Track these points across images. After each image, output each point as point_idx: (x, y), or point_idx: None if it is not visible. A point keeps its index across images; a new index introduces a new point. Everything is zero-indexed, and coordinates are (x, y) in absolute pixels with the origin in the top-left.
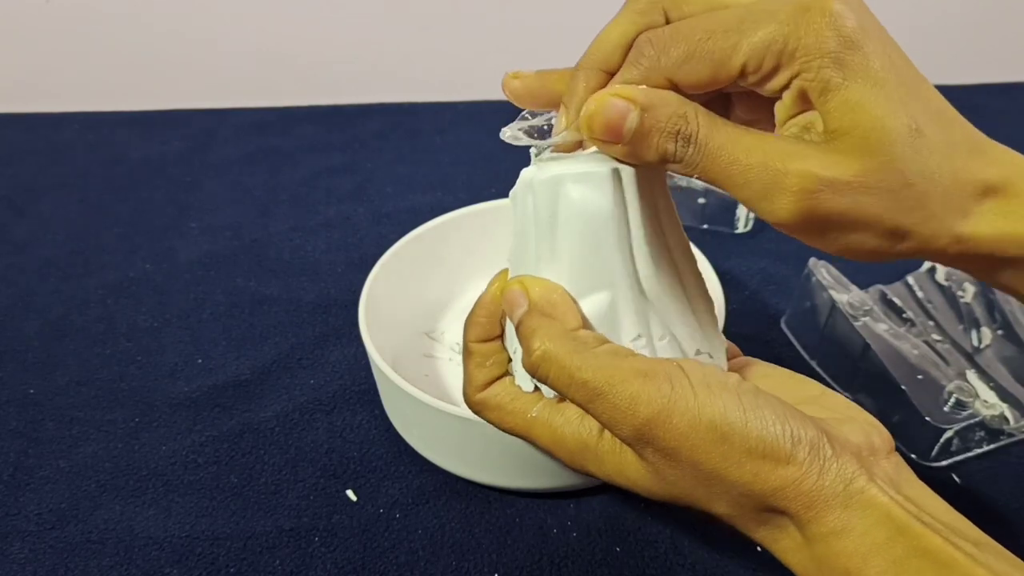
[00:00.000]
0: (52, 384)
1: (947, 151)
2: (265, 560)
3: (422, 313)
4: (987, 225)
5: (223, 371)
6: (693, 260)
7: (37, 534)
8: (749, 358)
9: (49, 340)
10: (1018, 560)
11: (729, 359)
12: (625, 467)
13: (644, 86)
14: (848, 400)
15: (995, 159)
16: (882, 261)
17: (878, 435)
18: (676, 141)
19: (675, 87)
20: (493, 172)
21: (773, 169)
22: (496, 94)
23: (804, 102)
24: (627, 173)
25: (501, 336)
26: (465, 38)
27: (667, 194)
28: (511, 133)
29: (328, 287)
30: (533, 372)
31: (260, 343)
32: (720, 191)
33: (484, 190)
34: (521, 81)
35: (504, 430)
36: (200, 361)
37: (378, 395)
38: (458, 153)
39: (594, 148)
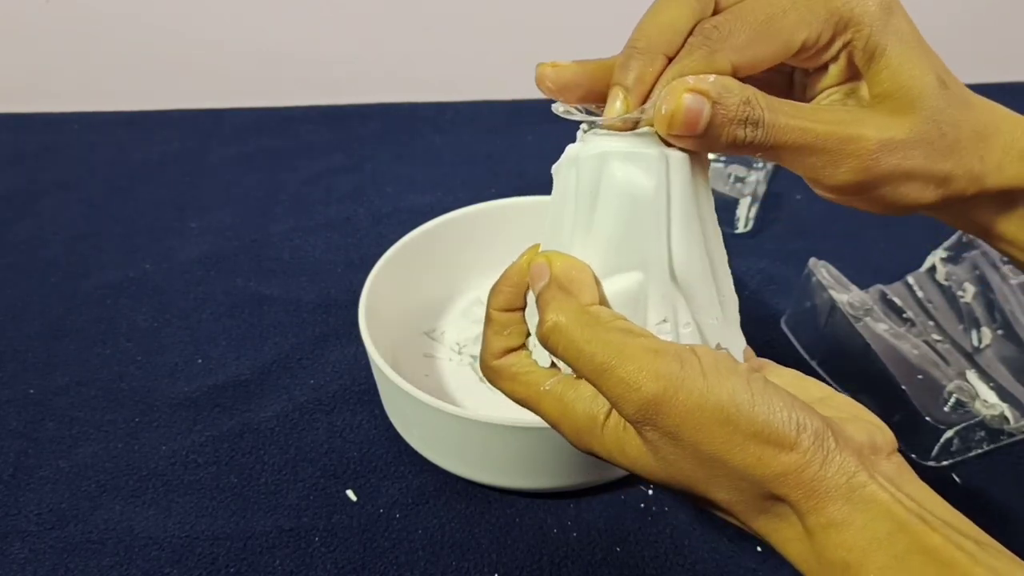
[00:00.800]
0: (52, 384)
1: (962, 100)
2: (265, 560)
3: (422, 313)
4: (994, 164)
5: (223, 371)
6: (724, 253)
7: (37, 534)
8: (762, 360)
9: (49, 340)
10: (1018, 560)
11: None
12: (627, 446)
13: (713, 76)
14: (854, 401)
15: (980, 104)
16: (919, 211)
17: (881, 435)
18: (745, 127)
19: (736, 71)
20: (493, 172)
21: (837, 137)
22: (496, 94)
23: (850, 70)
24: (675, 158)
25: (523, 309)
26: (465, 38)
27: (708, 183)
28: (564, 108)
29: (328, 287)
30: (544, 342)
31: (260, 343)
32: (720, 191)
33: (484, 190)
34: (558, 71)
35: (514, 400)
36: (200, 361)
37: (378, 395)
38: (458, 153)
39: (645, 128)
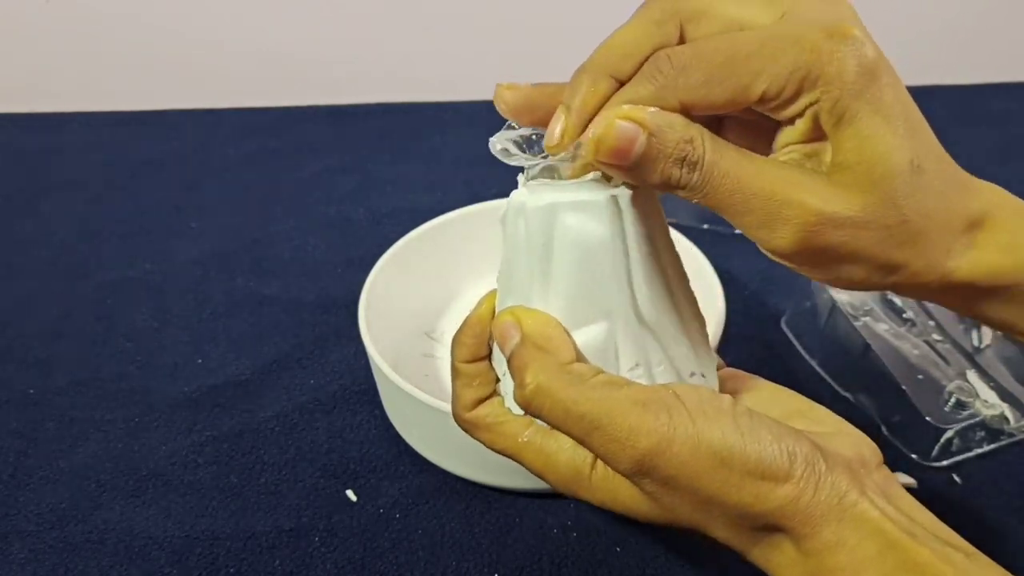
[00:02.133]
0: (52, 384)
1: (943, 189)
2: (265, 560)
3: (422, 313)
4: (970, 259)
5: (223, 371)
6: (686, 279)
7: (37, 534)
8: (736, 370)
9: (49, 340)
10: (1005, 571)
11: (720, 370)
12: (620, 495)
13: (654, 108)
14: (834, 414)
15: (978, 194)
16: (870, 290)
17: (868, 448)
18: (682, 167)
19: (685, 108)
20: (493, 172)
21: (775, 200)
22: None
23: (816, 130)
24: (624, 199)
25: (488, 356)
26: (465, 38)
27: (661, 214)
28: (501, 146)
29: (328, 287)
30: (526, 406)
31: (260, 343)
32: None
33: (484, 190)
34: (514, 93)
35: (495, 451)
36: (200, 361)
37: (378, 395)
38: (458, 153)
39: (591, 175)
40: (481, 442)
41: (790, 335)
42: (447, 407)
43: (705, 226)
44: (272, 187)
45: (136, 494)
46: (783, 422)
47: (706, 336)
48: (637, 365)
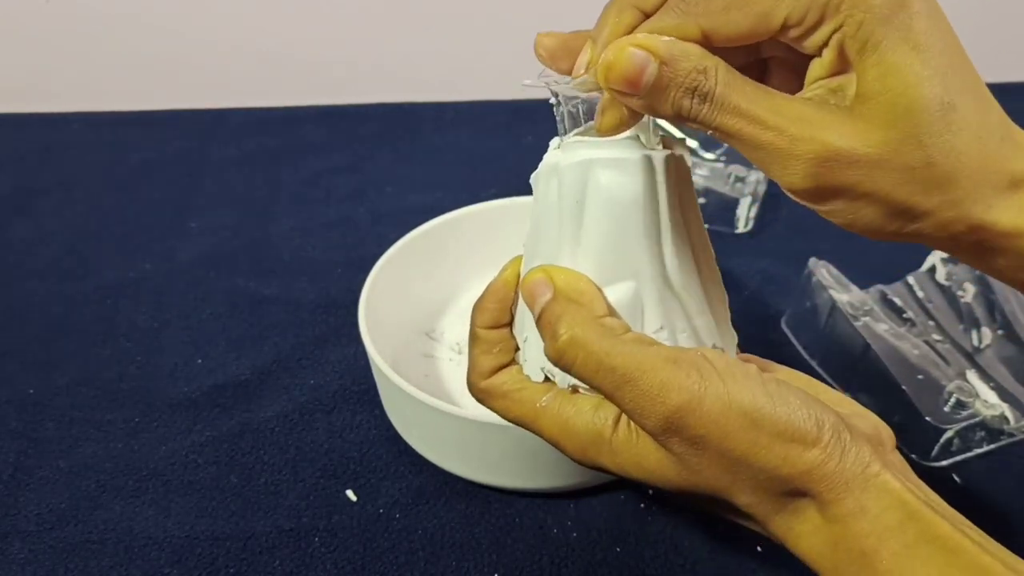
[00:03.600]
0: (52, 384)
1: (979, 132)
2: (265, 560)
3: (422, 313)
4: (1013, 218)
5: (223, 371)
6: (711, 254)
7: (37, 534)
8: (752, 356)
9: (49, 340)
10: (1019, 558)
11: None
12: (643, 458)
13: (669, 38)
14: (849, 398)
15: None
16: (889, 240)
17: (885, 431)
18: (692, 98)
19: (709, 39)
20: (493, 172)
21: (788, 135)
22: (496, 94)
23: (842, 62)
24: (658, 160)
25: (510, 324)
26: (465, 38)
27: (691, 184)
28: (531, 81)
29: (328, 287)
30: (559, 358)
31: (260, 343)
32: (720, 191)
33: (484, 190)
34: (553, 39)
35: (509, 419)
36: (200, 361)
37: (378, 395)
38: (458, 153)
39: (625, 133)
40: (495, 411)
41: (790, 335)
42: (447, 407)
43: (705, 226)
44: (272, 187)
45: (136, 494)
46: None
47: (728, 314)
48: (662, 328)
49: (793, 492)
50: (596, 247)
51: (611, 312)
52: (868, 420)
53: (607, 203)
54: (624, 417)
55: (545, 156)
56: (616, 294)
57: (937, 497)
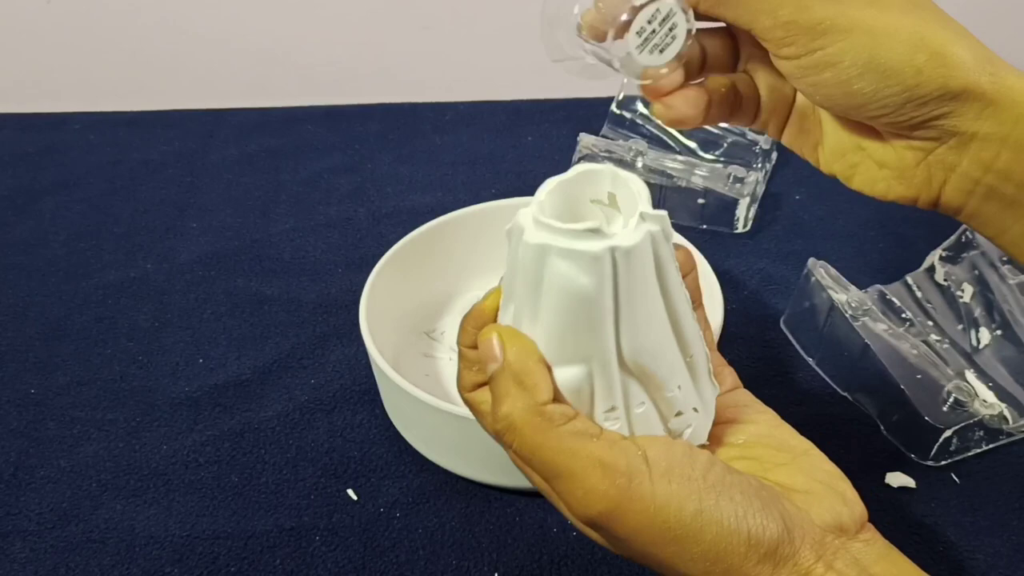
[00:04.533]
0: (53, 384)
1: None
2: (266, 559)
3: (422, 313)
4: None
5: (224, 371)
6: (689, 311)
7: (38, 533)
8: (742, 396)
9: (50, 340)
10: None
11: (727, 390)
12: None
13: None
14: (830, 466)
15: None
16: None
17: (849, 512)
18: None
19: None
20: (493, 172)
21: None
22: (496, 94)
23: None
24: (621, 252)
25: None
26: (465, 38)
27: (670, 254)
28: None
29: (328, 287)
30: (498, 437)
31: (261, 343)
32: (719, 191)
33: (484, 190)
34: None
35: (488, 433)
36: (201, 361)
37: (378, 395)
38: (458, 153)
39: (589, 223)
40: (477, 420)
41: (789, 335)
42: (447, 407)
43: (704, 226)
44: (272, 187)
45: (137, 493)
46: (764, 478)
47: (708, 367)
48: (613, 409)
49: None
50: (549, 328)
51: (556, 396)
52: (831, 502)
53: (560, 292)
54: None
55: (520, 213)
56: (565, 375)
57: (910, 571)
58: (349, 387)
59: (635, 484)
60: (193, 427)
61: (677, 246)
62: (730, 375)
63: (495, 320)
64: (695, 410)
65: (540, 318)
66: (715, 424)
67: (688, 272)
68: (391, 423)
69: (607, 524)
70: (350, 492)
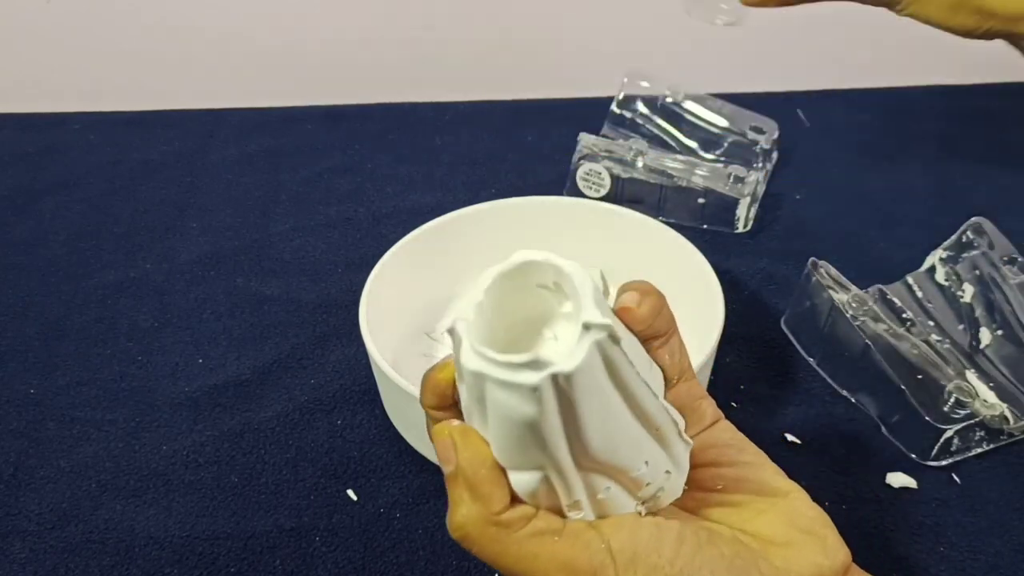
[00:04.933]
0: (53, 384)
1: None
2: (266, 560)
3: (422, 313)
4: None
5: (224, 371)
6: (657, 385)
7: (38, 534)
8: (723, 429)
9: (50, 340)
10: None
11: (706, 426)
12: None
13: None
14: (813, 511)
15: None
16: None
17: (831, 563)
18: None
19: None
20: (493, 172)
21: None
22: (496, 94)
23: None
24: (565, 376)
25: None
26: (465, 38)
27: (629, 344)
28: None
29: (328, 287)
30: (457, 541)
31: (261, 343)
32: (720, 191)
33: (484, 190)
34: None
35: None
36: (201, 361)
37: (378, 395)
38: (458, 153)
39: (524, 356)
40: None
41: (790, 335)
42: None
43: (705, 226)
44: (272, 187)
45: (137, 494)
46: (743, 530)
47: (678, 427)
48: (576, 503)
49: None
50: (498, 442)
51: (513, 496)
52: (811, 551)
53: (503, 419)
54: None
55: (457, 325)
56: (520, 480)
57: None
58: (349, 387)
59: None
60: (193, 427)
61: (636, 287)
62: (709, 407)
63: (452, 391)
64: (667, 472)
65: (488, 428)
66: (694, 467)
67: (651, 315)
68: (391, 423)
69: None
70: (350, 492)
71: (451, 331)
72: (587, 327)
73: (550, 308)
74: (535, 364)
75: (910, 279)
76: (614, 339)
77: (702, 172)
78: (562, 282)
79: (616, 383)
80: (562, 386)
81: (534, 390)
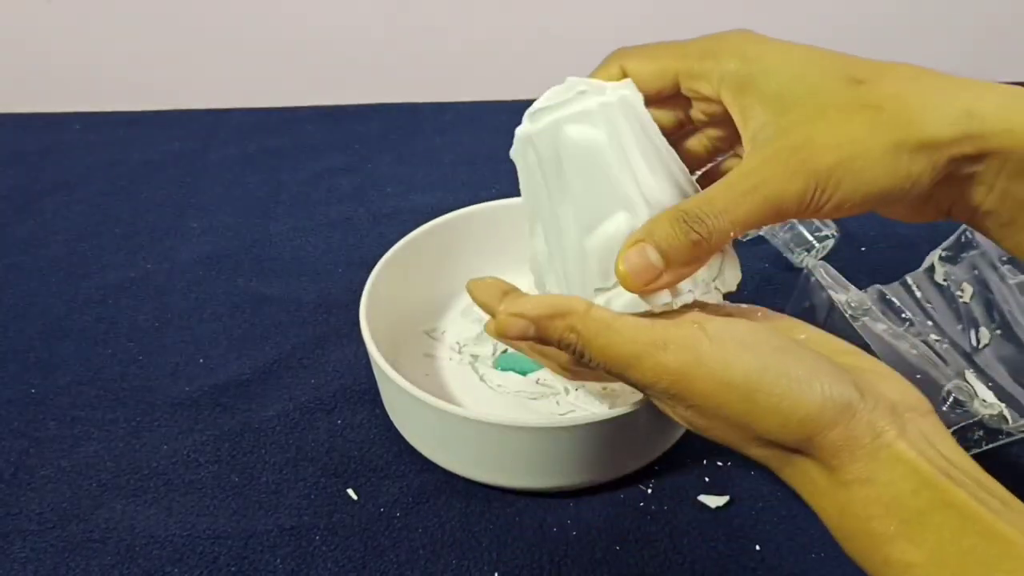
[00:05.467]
0: (54, 384)
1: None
2: (266, 559)
3: (422, 313)
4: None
5: (224, 371)
6: (688, 174)
7: (38, 533)
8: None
9: (50, 340)
10: None
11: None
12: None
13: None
14: (880, 362)
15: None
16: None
17: (916, 396)
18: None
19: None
20: (493, 172)
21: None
22: (496, 94)
23: (736, 103)
24: (611, 104)
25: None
26: (465, 38)
27: (650, 118)
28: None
29: (328, 287)
30: (580, 358)
31: (261, 343)
32: None
33: (484, 190)
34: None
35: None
36: (201, 361)
37: (378, 395)
38: (458, 153)
39: (582, 87)
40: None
41: None
42: (447, 407)
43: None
44: (272, 187)
45: (137, 493)
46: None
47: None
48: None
49: (799, 451)
50: (582, 192)
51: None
52: (895, 383)
53: (579, 152)
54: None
55: (517, 131)
56: (611, 227)
57: (970, 463)
58: (349, 387)
59: (699, 353)
60: (193, 427)
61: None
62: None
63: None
64: (717, 288)
65: (570, 190)
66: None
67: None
68: (391, 423)
69: (679, 393)
70: (350, 492)
71: (514, 152)
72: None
73: None
74: (586, 95)
75: (909, 279)
76: (635, 98)
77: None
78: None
79: (653, 139)
80: (613, 114)
81: (598, 109)
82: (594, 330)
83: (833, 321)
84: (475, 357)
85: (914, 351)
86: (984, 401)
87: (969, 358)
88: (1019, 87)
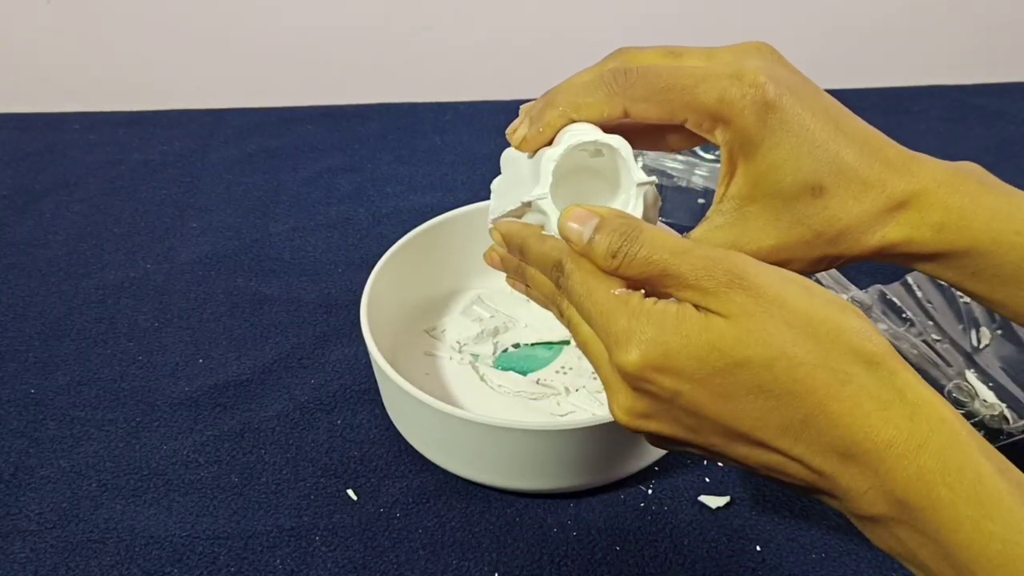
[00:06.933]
0: (53, 384)
1: (855, 192)
2: (266, 559)
3: (423, 312)
4: (897, 234)
5: (224, 371)
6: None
7: (38, 533)
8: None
9: (50, 340)
10: None
11: None
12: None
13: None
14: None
15: (908, 175)
16: (823, 271)
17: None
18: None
19: (628, 115)
20: (493, 172)
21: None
22: (496, 94)
23: (731, 162)
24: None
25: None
26: (465, 38)
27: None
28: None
29: (328, 287)
30: (662, 276)
31: (261, 343)
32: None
33: (484, 190)
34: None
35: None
36: (201, 361)
37: (379, 395)
38: (458, 153)
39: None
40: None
41: None
42: (447, 407)
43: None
44: (272, 187)
45: (137, 493)
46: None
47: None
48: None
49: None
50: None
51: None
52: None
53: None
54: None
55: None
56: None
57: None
58: (349, 387)
59: (751, 267)
60: (193, 427)
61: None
62: None
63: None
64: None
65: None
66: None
67: None
68: (391, 423)
69: (744, 289)
70: (350, 492)
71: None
72: (639, 184)
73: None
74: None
75: (910, 279)
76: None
77: (702, 172)
78: (613, 155)
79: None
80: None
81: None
82: (669, 245)
83: None
84: (476, 356)
85: (915, 351)
86: (985, 401)
87: (970, 358)
88: None
